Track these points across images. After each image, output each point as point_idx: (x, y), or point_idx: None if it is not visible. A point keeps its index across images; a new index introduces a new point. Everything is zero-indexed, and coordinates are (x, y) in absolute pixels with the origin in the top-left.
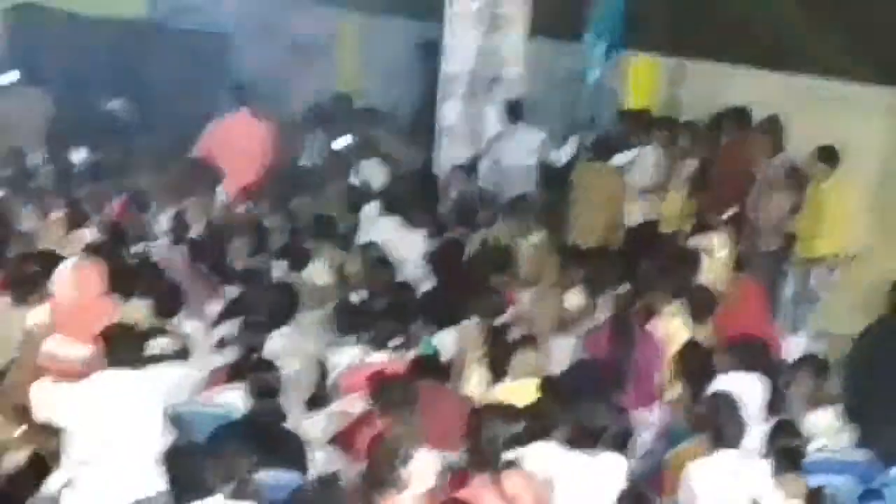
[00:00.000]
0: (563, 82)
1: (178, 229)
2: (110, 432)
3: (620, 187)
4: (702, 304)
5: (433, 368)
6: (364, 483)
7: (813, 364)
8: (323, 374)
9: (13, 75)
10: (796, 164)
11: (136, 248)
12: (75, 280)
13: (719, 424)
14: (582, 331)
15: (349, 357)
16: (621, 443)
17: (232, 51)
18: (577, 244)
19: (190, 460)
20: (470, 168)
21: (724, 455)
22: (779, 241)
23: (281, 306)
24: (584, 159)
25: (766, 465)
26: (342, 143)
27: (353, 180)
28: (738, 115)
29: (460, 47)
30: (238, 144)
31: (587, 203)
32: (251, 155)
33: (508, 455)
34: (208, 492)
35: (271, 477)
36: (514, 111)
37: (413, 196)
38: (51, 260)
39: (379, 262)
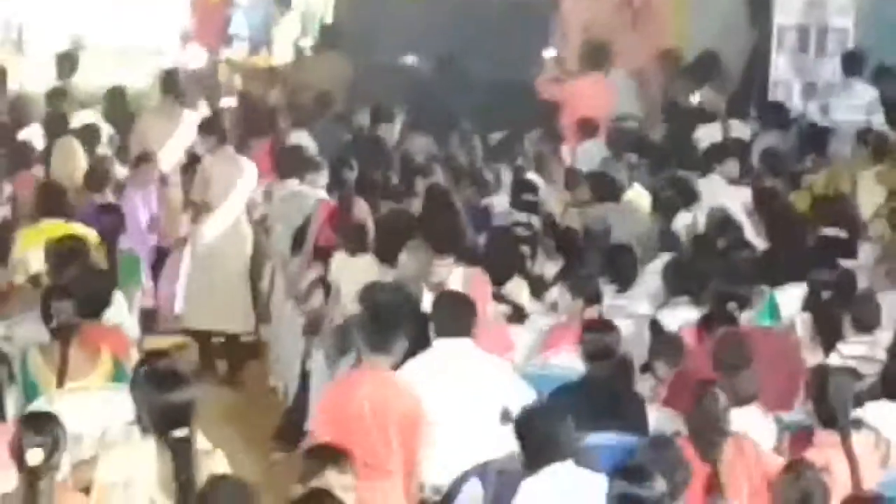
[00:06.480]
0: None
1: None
2: (456, 395)
3: None
4: None
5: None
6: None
7: None
8: (660, 331)
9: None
10: None
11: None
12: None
13: None
14: None
15: (681, 317)
16: None
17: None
18: None
19: (544, 423)
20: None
21: None
22: None
23: (619, 269)
24: None
25: None
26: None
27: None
28: None
29: None
30: (588, 100)
31: None
32: (600, 111)
33: (854, 413)
34: (561, 456)
35: (609, 439)
36: (850, 63)
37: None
38: None
39: (722, 220)
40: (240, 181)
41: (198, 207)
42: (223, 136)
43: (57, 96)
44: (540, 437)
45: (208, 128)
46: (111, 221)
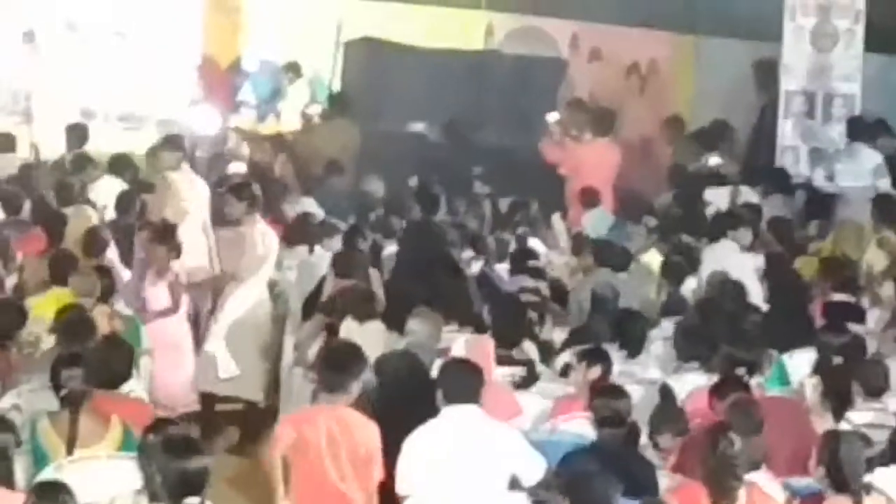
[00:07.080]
0: None
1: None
2: (464, 462)
3: None
4: None
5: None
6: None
7: None
8: (669, 399)
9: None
10: None
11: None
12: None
13: None
14: None
15: (691, 383)
16: None
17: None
18: None
19: (591, 486)
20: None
21: None
22: None
23: (627, 334)
24: None
25: None
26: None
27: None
28: None
29: (798, 64)
30: (593, 166)
31: None
32: (604, 177)
33: (867, 479)
34: None
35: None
36: (855, 129)
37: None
38: None
39: (727, 285)
40: (271, 252)
41: (227, 276)
42: (254, 202)
43: (75, 164)
44: (590, 499)
45: (239, 193)
46: (103, 283)
